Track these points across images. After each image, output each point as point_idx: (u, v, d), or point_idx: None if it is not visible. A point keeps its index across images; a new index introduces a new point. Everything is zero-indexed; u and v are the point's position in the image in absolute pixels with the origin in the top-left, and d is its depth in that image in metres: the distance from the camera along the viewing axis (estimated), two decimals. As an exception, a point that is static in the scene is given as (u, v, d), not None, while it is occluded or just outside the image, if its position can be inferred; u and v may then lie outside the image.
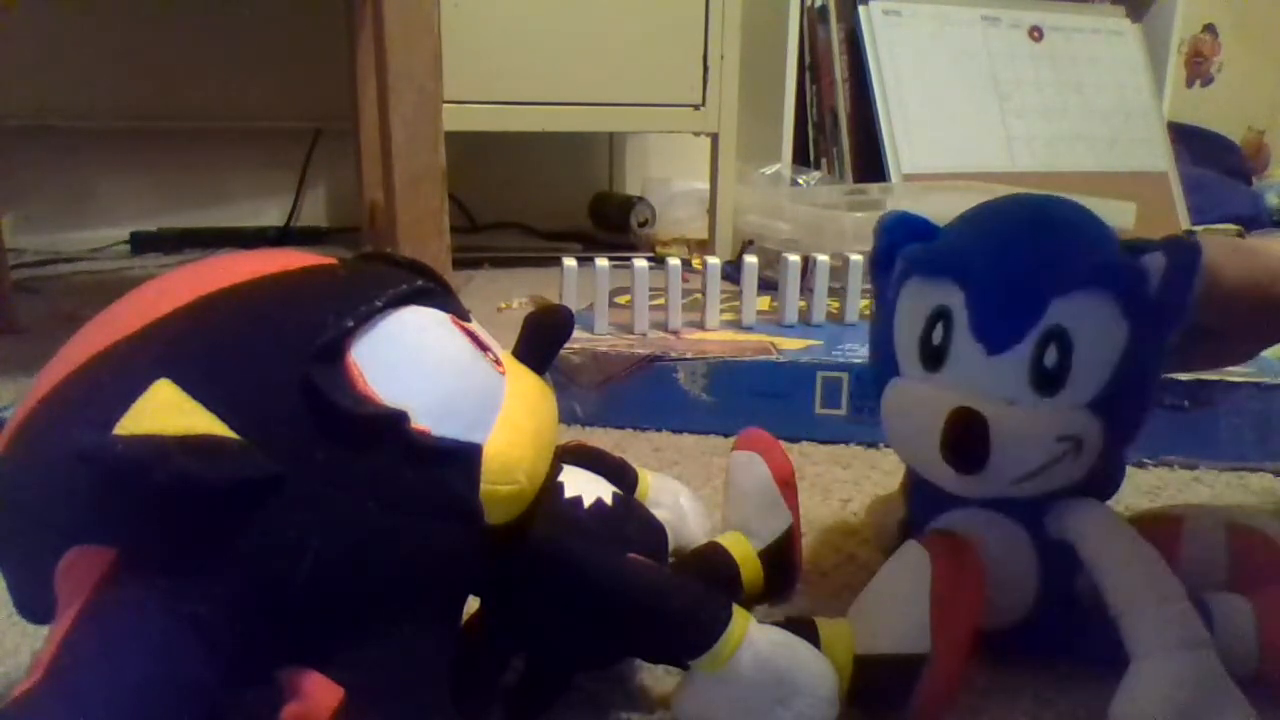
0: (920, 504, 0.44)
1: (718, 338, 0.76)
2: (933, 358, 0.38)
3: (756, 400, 0.70)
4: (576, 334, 0.65)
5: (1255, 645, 0.39)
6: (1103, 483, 0.43)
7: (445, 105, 0.85)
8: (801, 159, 1.51)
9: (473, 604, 0.36)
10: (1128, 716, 0.34)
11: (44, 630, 0.29)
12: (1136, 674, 0.34)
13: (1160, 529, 0.43)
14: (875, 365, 0.43)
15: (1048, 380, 0.36)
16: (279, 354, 0.30)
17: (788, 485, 0.46)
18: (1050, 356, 0.36)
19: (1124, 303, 0.36)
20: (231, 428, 0.28)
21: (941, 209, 0.42)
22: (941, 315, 0.38)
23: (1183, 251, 0.36)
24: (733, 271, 0.92)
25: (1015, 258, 0.37)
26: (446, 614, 0.34)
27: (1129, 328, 0.36)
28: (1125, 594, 0.36)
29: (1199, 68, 2.07)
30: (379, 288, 0.32)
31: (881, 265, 0.42)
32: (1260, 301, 0.42)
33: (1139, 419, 0.39)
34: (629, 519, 0.40)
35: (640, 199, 1.56)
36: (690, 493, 0.51)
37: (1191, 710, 0.33)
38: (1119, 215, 1.14)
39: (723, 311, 0.80)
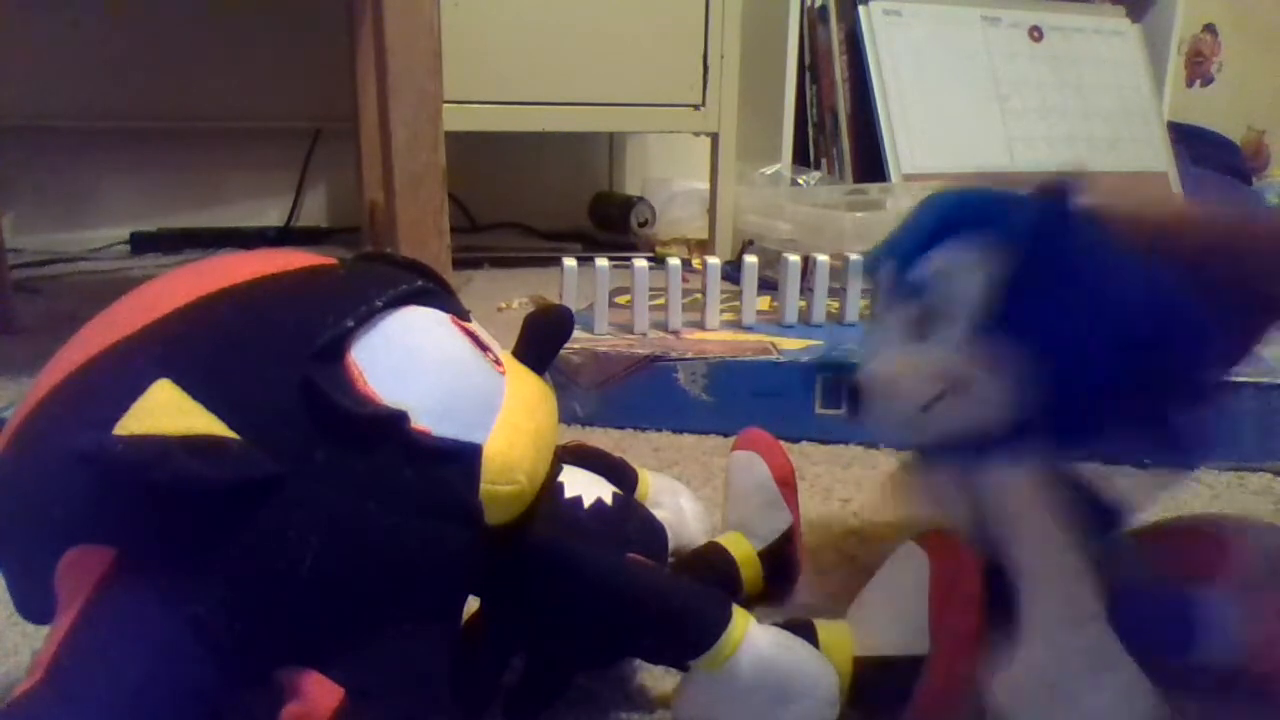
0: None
1: (718, 338, 0.76)
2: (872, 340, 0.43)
3: (756, 400, 0.70)
4: (576, 334, 0.65)
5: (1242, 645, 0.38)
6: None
7: (445, 105, 0.85)
8: (801, 159, 1.51)
9: (473, 604, 0.36)
10: (1002, 690, 0.34)
11: (44, 630, 0.29)
12: (1020, 648, 0.35)
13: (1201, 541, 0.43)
14: None
15: (915, 329, 0.39)
16: (279, 354, 0.30)
17: (788, 485, 0.46)
18: (912, 308, 0.39)
19: (986, 249, 0.37)
20: (231, 428, 0.28)
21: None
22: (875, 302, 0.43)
23: (1050, 191, 0.37)
24: (733, 271, 0.92)
25: (900, 236, 0.41)
26: (446, 614, 0.34)
27: (995, 270, 0.37)
28: (1021, 565, 0.36)
29: (1199, 68, 2.07)
30: (379, 288, 0.32)
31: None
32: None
33: (1075, 363, 0.36)
34: (629, 519, 0.40)
35: (640, 199, 1.56)
36: (690, 493, 0.51)
37: (1068, 683, 0.34)
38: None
39: (723, 311, 0.80)
